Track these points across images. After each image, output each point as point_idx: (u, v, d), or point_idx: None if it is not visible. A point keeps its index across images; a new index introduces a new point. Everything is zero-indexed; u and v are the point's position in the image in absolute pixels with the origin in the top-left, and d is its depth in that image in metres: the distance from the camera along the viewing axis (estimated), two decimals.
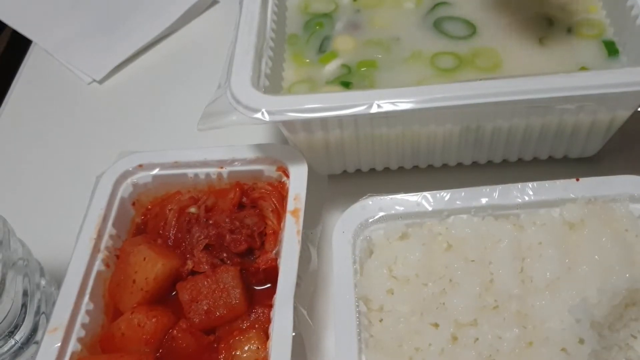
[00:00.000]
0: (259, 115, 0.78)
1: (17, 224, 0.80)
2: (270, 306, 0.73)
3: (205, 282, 0.76)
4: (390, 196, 0.78)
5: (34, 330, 0.80)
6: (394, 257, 0.74)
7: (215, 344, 0.75)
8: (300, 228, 0.77)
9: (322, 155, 0.89)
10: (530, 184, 0.77)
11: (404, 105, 0.77)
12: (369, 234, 0.77)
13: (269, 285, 0.79)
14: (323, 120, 0.81)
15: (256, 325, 0.74)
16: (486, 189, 0.77)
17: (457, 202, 0.76)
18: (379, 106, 0.77)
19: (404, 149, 0.89)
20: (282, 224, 0.80)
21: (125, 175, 0.87)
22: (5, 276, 0.74)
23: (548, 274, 0.71)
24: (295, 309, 0.70)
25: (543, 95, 0.76)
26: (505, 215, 0.76)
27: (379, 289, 0.72)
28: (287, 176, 0.84)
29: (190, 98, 1.17)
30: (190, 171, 0.87)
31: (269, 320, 0.72)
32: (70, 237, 0.82)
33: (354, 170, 0.95)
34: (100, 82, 1.20)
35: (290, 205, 0.79)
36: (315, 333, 0.76)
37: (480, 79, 0.85)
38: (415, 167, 0.94)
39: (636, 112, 0.81)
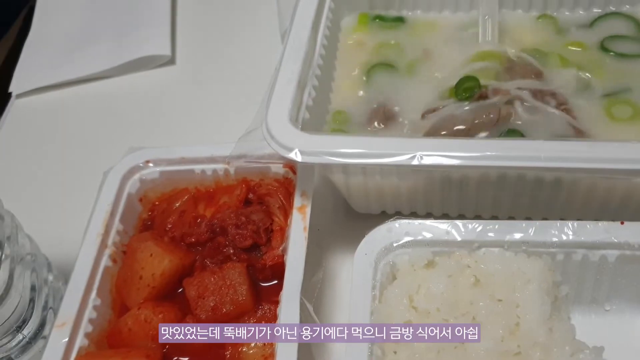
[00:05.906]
0: (292, 154, 0.74)
1: (25, 219, 0.81)
2: (277, 302, 0.74)
3: (212, 279, 0.76)
4: (419, 221, 0.73)
5: (42, 325, 0.80)
6: (417, 286, 0.70)
7: None
8: (307, 225, 0.76)
9: (361, 194, 0.84)
10: (570, 223, 0.71)
11: (448, 160, 0.71)
12: (393, 259, 0.72)
13: (275, 281, 0.79)
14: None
15: (263, 322, 0.74)
16: (522, 223, 0.72)
17: (490, 234, 0.71)
18: (421, 158, 0.72)
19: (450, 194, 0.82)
20: (288, 221, 0.80)
21: (132, 171, 0.87)
22: (13, 271, 0.74)
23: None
24: (301, 305, 0.70)
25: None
26: (539, 253, 0.71)
27: (397, 320, 0.68)
28: (294, 172, 0.83)
29: (200, 95, 1.18)
30: (197, 167, 0.87)
31: (275, 317, 0.72)
32: (78, 233, 0.82)
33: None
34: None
35: (297, 201, 0.79)
36: None
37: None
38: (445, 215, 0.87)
39: None
